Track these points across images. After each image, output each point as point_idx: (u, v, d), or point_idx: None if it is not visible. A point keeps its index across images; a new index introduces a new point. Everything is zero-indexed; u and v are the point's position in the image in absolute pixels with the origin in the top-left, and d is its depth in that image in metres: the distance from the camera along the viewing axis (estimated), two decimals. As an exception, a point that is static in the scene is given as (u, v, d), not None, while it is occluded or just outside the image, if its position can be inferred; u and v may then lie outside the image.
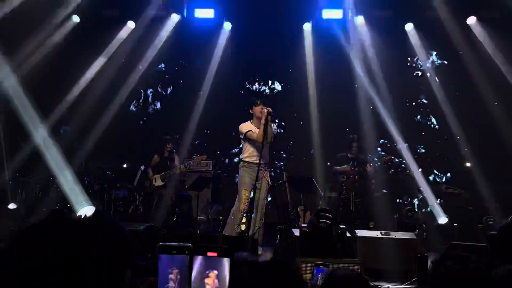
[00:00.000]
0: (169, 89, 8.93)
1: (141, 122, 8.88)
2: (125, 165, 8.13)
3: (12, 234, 0.88)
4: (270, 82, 8.87)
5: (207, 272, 1.30)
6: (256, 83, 8.84)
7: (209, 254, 1.30)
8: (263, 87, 8.83)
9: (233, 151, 8.40)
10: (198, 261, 1.31)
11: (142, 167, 7.70)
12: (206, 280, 1.30)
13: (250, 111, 5.29)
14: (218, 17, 8.20)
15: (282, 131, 7.66)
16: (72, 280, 0.82)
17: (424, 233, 6.55)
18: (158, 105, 8.92)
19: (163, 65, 8.84)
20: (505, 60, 7.44)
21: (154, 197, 7.46)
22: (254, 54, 8.44)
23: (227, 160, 8.66)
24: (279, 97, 8.71)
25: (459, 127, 7.63)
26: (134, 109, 8.79)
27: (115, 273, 0.89)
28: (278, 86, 8.88)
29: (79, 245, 0.84)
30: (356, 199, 6.75)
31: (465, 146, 7.51)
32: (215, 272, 1.30)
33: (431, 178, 7.88)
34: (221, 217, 7.57)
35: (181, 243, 1.32)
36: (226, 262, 1.31)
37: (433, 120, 8.37)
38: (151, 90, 8.88)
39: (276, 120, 5.38)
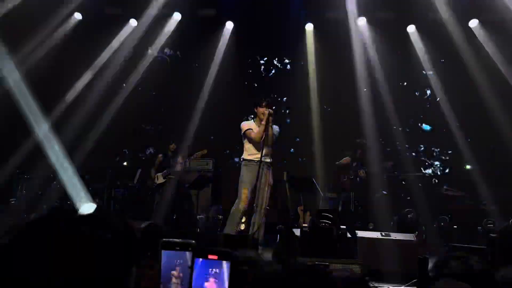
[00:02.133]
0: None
1: (153, 93, 8.79)
2: (125, 163, 8.13)
3: (16, 228, 0.87)
4: (276, 59, 8.86)
5: (207, 275, 1.30)
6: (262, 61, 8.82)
7: (210, 257, 1.30)
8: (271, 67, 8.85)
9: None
10: (198, 263, 1.31)
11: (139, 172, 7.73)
12: (206, 284, 1.30)
13: (255, 110, 5.31)
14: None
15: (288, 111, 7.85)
16: (79, 275, 0.82)
17: (424, 235, 6.55)
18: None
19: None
20: (506, 63, 7.44)
21: (155, 195, 7.46)
22: (256, 54, 8.44)
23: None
24: (280, 95, 8.71)
25: (460, 128, 7.65)
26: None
27: (122, 269, 0.89)
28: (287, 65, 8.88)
29: (87, 240, 0.84)
30: (356, 199, 6.77)
31: (466, 147, 7.53)
32: (215, 274, 1.30)
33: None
34: (220, 216, 7.56)
35: (184, 240, 1.32)
36: (226, 265, 1.30)
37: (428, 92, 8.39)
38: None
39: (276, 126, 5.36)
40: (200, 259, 1.30)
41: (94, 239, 0.85)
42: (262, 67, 8.92)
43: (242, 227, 5.64)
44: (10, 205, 6.94)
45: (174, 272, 1.37)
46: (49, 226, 0.85)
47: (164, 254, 1.32)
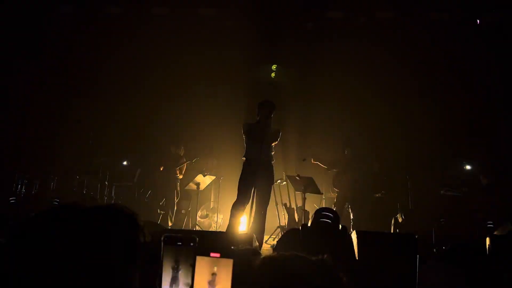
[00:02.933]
0: None
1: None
2: (125, 162, 8.13)
3: (25, 220, 0.88)
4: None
5: (210, 273, 1.30)
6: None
7: (212, 255, 1.30)
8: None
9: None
10: (201, 261, 1.30)
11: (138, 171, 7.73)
12: (209, 281, 1.30)
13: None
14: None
15: None
16: (88, 264, 0.82)
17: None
18: None
19: None
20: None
21: (156, 194, 7.47)
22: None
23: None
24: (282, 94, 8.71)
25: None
26: None
27: (128, 258, 0.89)
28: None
29: (95, 232, 0.84)
30: (351, 200, 6.78)
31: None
32: (218, 272, 1.30)
33: None
34: (221, 216, 7.58)
35: (186, 235, 1.32)
36: (229, 263, 1.30)
37: None
38: None
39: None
40: (203, 257, 1.30)
41: (102, 230, 0.85)
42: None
43: (243, 226, 5.65)
44: (10, 205, 6.93)
45: (174, 266, 1.38)
46: (59, 218, 0.85)
47: (166, 249, 1.32)
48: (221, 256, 1.31)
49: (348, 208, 6.84)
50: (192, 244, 1.31)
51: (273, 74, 8.90)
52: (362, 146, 7.45)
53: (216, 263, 1.32)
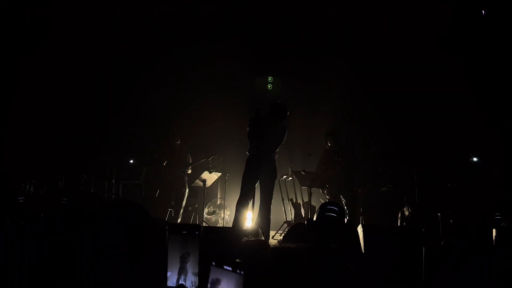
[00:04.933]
0: None
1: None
2: (131, 161, 8.18)
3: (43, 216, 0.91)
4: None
5: (220, 284, 1.34)
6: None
7: (225, 267, 1.35)
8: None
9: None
10: (213, 272, 1.34)
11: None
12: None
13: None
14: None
15: None
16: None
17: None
18: None
19: None
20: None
21: (165, 191, 7.51)
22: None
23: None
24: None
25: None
26: None
27: (137, 249, 0.92)
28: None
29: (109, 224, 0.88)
30: (342, 193, 6.75)
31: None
32: (229, 284, 1.34)
33: None
34: (228, 212, 7.61)
35: (191, 224, 1.35)
36: (239, 277, 1.34)
37: None
38: None
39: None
40: (216, 268, 1.34)
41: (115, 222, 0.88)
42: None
43: (248, 222, 5.67)
44: (19, 204, 7.00)
45: (181, 256, 1.41)
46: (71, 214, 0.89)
47: (172, 238, 1.35)
48: (233, 270, 1.35)
49: (342, 202, 6.80)
50: (197, 232, 1.34)
51: (269, 86, 8.98)
52: (347, 137, 7.40)
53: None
